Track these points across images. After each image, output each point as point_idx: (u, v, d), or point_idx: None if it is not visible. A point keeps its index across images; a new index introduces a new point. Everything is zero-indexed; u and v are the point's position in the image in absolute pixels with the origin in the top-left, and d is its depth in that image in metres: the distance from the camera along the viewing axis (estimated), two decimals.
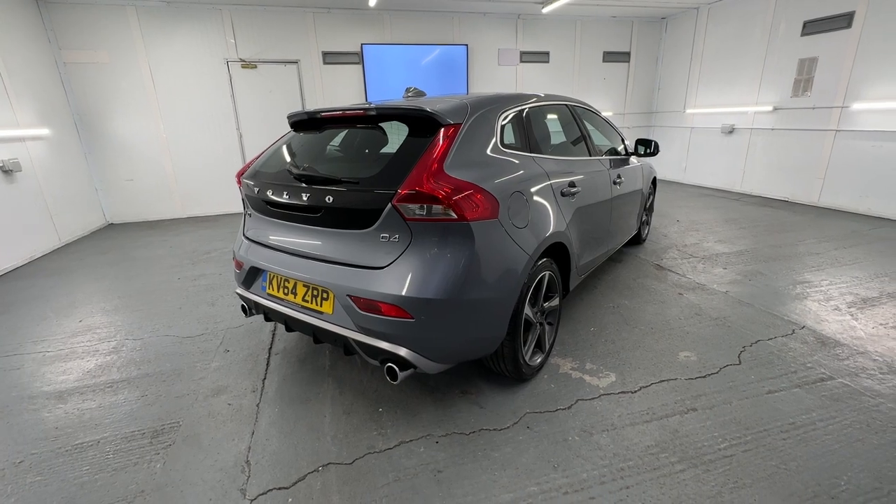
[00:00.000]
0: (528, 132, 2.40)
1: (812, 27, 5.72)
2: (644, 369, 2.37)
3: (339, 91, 6.95)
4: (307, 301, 2.00)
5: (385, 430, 2.00)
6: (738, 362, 2.41)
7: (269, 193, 2.09)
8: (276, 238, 2.15)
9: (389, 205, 1.72)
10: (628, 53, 8.23)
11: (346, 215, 1.84)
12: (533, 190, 2.14)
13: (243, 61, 6.44)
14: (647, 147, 3.57)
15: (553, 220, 2.24)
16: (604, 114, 7.24)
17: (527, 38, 7.59)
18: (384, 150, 2.16)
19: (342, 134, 2.43)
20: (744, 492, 1.60)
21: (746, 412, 2.02)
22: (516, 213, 1.97)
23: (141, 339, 2.93)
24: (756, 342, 2.60)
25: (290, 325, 2.17)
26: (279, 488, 1.70)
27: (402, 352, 1.77)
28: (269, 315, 2.27)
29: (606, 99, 8.37)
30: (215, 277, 4.03)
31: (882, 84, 5.07)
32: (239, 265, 2.32)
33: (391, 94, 7.07)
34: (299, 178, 1.98)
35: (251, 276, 2.26)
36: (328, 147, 2.40)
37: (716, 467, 1.72)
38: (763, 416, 1.99)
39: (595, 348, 2.61)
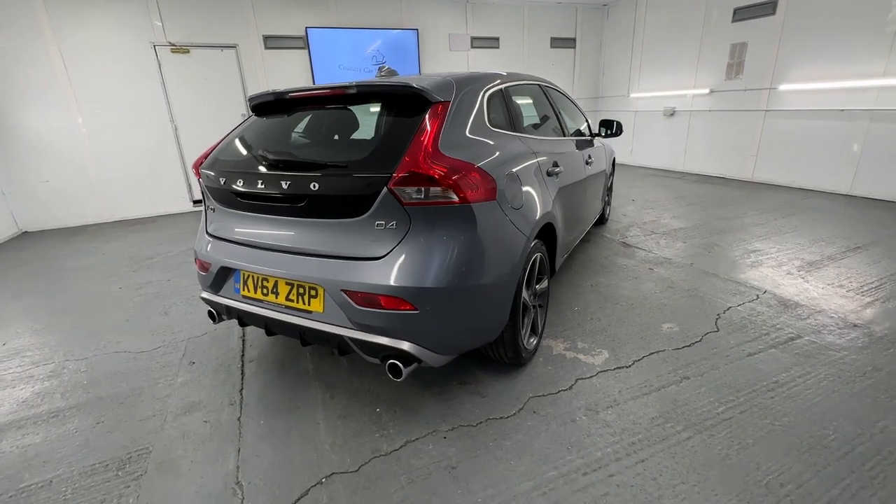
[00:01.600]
0: (510, 111, 2.33)
1: (742, 14, 6.13)
2: (633, 343, 2.42)
3: (284, 78, 6.52)
4: (292, 300, 1.82)
5: (387, 430, 1.88)
6: (716, 329, 2.52)
7: (238, 184, 1.86)
8: (248, 233, 1.94)
9: (385, 189, 1.59)
10: (574, 40, 8.43)
11: (335, 203, 1.68)
12: (524, 170, 2.08)
13: (173, 45, 5.84)
14: (610, 128, 3.64)
15: (543, 200, 2.20)
16: None
17: (477, 23, 7.52)
18: (359, 131, 2.01)
19: (307, 117, 2.22)
20: (749, 451, 1.67)
21: (733, 376, 2.11)
22: (513, 195, 1.91)
23: (85, 358, 2.57)
24: (728, 309, 2.74)
25: (272, 328, 1.97)
26: None
27: (406, 346, 1.66)
28: (245, 319, 2.06)
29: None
30: (163, 284, 3.65)
31: (804, 67, 5.54)
32: (204, 266, 2.08)
33: (342, 80, 6.74)
34: (275, 164, 1.78)
35: (220, 277, 2.03)
36: (293, 132, 2.19)
37: (718, 431, 1.78)
38: (749, 377, 2.09)
39: (582, 327, 2.63)
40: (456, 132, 1.79)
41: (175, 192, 6.31)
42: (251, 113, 2.28)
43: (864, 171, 5.15)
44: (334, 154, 2.05)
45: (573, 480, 1.59)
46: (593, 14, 8.44)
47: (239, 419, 2.00)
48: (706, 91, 6.78)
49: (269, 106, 2.15)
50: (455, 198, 1.59)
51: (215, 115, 6.23)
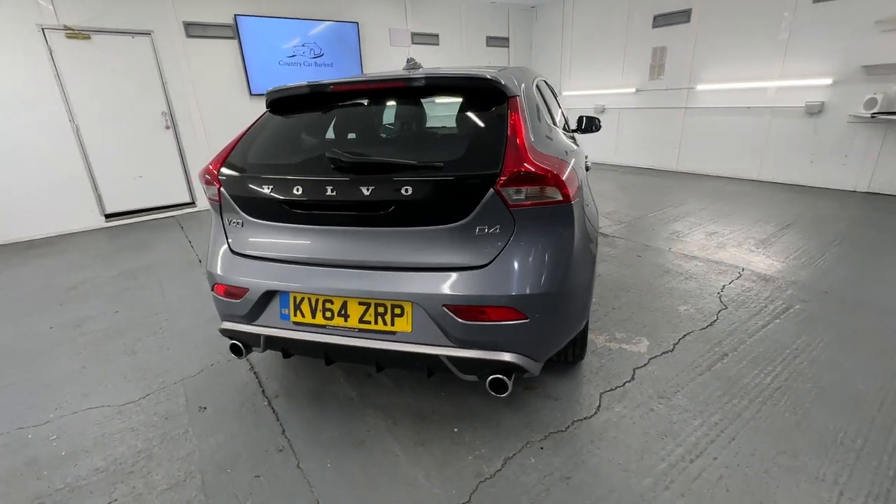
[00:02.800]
0: (548, 104, 2.30)
1: (661, 20, 6.79)
2: (664, 328, 2.55)
3: (211, 71, 5.78)
4: (368, 322, 1.60)
5: (478, 450, 1.74)
6: (724, 307, 2.76)
7: (295, 192, 1.58)
8: (302, 248, 1.66)
9: (491, 190, 1.45)
10: (507, 39, 8.67)
11: (431, 208, 1.50)
12: (580, 166, 2.06)
13: (69, 29, 4.85)
14: (591, 124, 3.78)
15: (591, 196, 2.20)
16: None
17: (417, 18, 7.38)
18: (426, 127, 1.82)
19: (345, 114, 1.97)
20: (811, 415, 1.84)
21: (761, 348, 2.32)
22: (584, 191, 1.87)
23: (47, 422, 2.02)
24: (723, 287, 3.02)
25: (336, 356, 1.72)
26: None
27: (510, 357, 1.54)
28: (294, 349, 1.77)
29: None
30: (110, 318, 3.02)
31: (716, 69, 6.31)
32: (234, 292, 1.74)
33: (282, 75, 6.19)
34: (350, 167, 1.53)
35: (260, 304, 1.71)
36: (345, 130, 1.93)
37: (777, 400, 1.93)
38: (773, 348, 2.32)
39: (609, 317, 2.70)
40: (533, 127, 1.71)
41: (79, 205, 5.27)
42: (267, 110, 1.95)
43: (768, 160, 6.04)
44: (417, 154, 1.83)
45: (684, 470, 1.61)
46: (523, 15, 8.76)
47: (299, 466, 1.71)
48: (633, 90, 7.41)
49: (295, 101, 1.86)
50: (559, 196, 1.51)
51: (128, 112, 5.32)
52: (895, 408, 1.86)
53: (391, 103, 1.91)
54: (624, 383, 2.09)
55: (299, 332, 1.69)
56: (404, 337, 1.58)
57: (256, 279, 1.69)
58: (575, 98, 8.50)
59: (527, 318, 1.50)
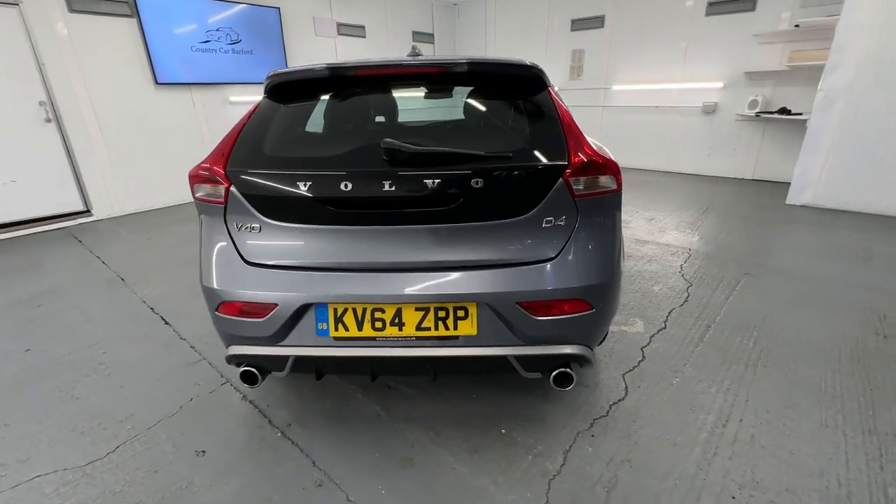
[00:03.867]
0: None
1: (578, 25, 7.31)
2: (649, 308, 2.74)
3: (105, 54, 4.87)
4: (427, 329, 1.46)
5: (535, 448, 1.71)
6: (690, 284, 3.06)
7: (343, 188, 1.37)
8: (345, 252, 1.46)
9: (560, 180, 1.41)
10: (432, 35, 8.65)
11: (500, 201, 1.41)
12: None
13: None
14: None
15: None
16: None
17: (342, 8, 7.00)
18: (467, 114, 1.70)
19: (364, 101, 1.78)
20: (801, 371, 2.12)
21: (735, 318, 2.61)
22: None
23: None
24: (681, 266, 3.35)
25: (383, 370, 1.56)
26: None
27: (575, 350, 1.53)
28: (331, 369, 1.57)
29: None
30: (21, 358, 2.39)
31: (628, 71, 6.98)
32: (259, 310, 1.47)
33: (196, 63, 5.44)
34: (413, 158, 1.38)
35: (290, 321, 1.47)
36: (370, 117, 1.73)
37: (767, 362, 2.19)
38: (742, 315, 2.63)
39: None
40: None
41: None
42: (266, 97, 1.68)
43: (674, 153, 6.85)
44: (467, 144, 1.68)
45: (722, 435, 1.75)
46: (446, 11, 8.81)
47: (350, 499, 1.52)
48: (555, 89, 7.86)
49: (304, 87, 1.63)
50: (614, 185, 1.53)
51: None
52: (851, 354, 2.22)
53: (423, 90, 1.76)
54: (638, 363, 2.21)
55: (341, 349, 1.49)
56: (468, 340, 1.47)
57: (287, 292, 1.44)
58: None
59: (593, 309, 1.50)
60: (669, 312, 2.68)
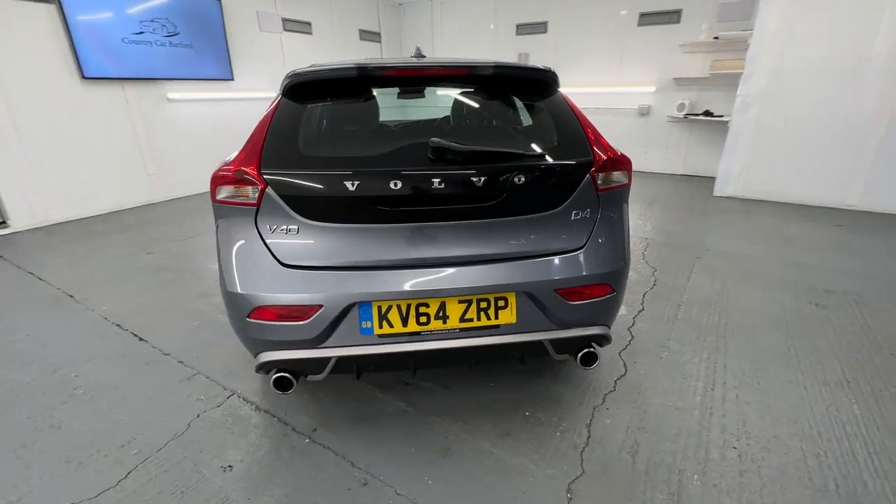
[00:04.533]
0: None
1: (523, 30, 7.64)
2: (626, 292, 2.99)
3: (18, 42, 4.30)
4: (470, 320, 1.53)
5: (560, 426, 1.83)
6: (655, 269, 3.38)
7: (392, 185, 1.39)
8: (391, 249, 1.49)
9: (588, 176, 1.54)
10: (379, 34, 8.58)
11: (537, 196, 1.51)
12: None
13: None
14: None
15: None
16: None
17: (287, 3, 6.73)
18: (489, 115, 1.77)
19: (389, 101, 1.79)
20: (757, 337, 2.45)
21: (698, 296, 2.94)
22: None
23: None
24: (643, 254, 3.68)
25: (425, 363, 1.60)
26: None
27: (600, 330, 1.68)
28: (372, 367, 1.57)
29: None
30: None
31: (571, 74, 7.43)
32: (301, 313, 1.45)
33: (129, 56, 4.96)
34: (461, 156, 1.44)
35: (334, 322, 1.47)
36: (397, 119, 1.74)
37: (734, 332, 2.51)
38: (704, 293, 2.97)
39: None
40: None
41: None
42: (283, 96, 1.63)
43: None
44: (499, 143, 1.73)
45: (713, 397, 2.00)
46: (392, 11, 8.77)
47: (399, 493, 1.54)
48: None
49: (324, 87, 1.62)
50: (626, 179, 1.69)
51: None
52: (794, 321, 2.61)
53: (448, 91, 1.80)
54: (630, 341, 2.43)
55: (385, 346, 1.50)
56: (508, 329, 1.56)
57: (333, 293, 1.43)
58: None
59: (614, 292, 1.65)
60: (644, 295, 2.96)
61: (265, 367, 1.54)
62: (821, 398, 1.99)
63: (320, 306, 1.44)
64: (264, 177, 1.42)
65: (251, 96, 6.45)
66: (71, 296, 3.05)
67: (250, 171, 1.43)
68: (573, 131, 1.63)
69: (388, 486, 1.57)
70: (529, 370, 2.16)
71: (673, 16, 6.36)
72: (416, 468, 1.64)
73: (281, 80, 1.82)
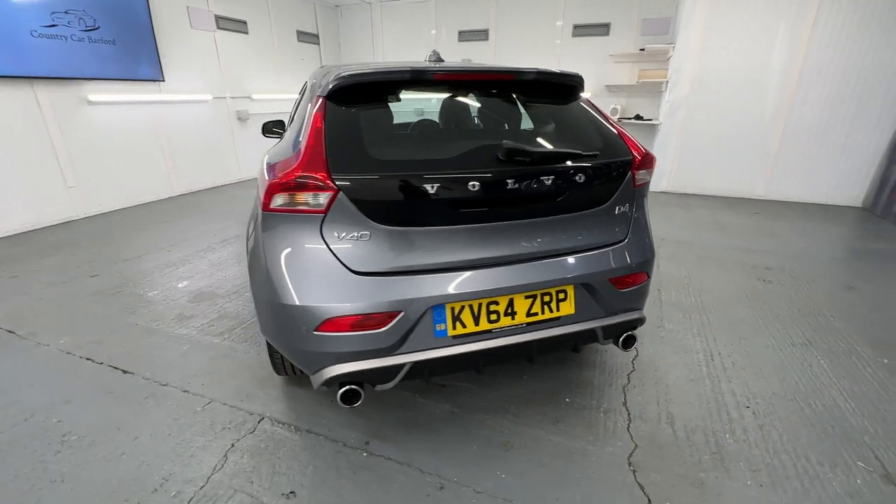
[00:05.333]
0: None
1: (465, 36, 7.86)
2: None
3: None
4: (536, 314, 1.59)
5: (601, 407, 1.97)
6: None
7: (471, 187, 1.40)
8: (464, 250, 1.50)
9: (629, 173, 1.68)
10: (317, 36, 8.29)
11: (591, 194, 1.61)
12: None
13: None
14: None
15: None
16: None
17: (220, 0, 6.27)
18: (519, 119, 1.83)
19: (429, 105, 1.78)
20: (732, 312, 2.80)
21: (672, 280, 3.28)
22: None
23: None
24: None
25: (492, 360, 1.63)
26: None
27: (637, 314, 1.83)
28: (444, 369, 1.57)
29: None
30: None
31: None
32: (379, 320, 1.41)
33: (40, 51, 4.31)
34: (533, 157, 1.50)
35: (413, 327, 1.45)
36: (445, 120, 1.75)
37: (710, 309, 2.84)
38: (674, 277, 3.31)
39: None
40: None
41: None
42: (324, 97, 1.57)
43: None
44: (551, 144, 1.76)
45: (715, 366, 2.26)
46: (329, 13, 8.52)
47: (477, 491, 1.56)
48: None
49: (376, 89, 1.59)
50: (650, 177, 1.86)
51: None
52: (752, 296, 3.02)
53: (492, 95, 1.82)
54: None
55: (459, 346, 1.51)
56: (568, 319, 1.64)
57: (412, 297, 1.41)
58: None
59: (648, 278, 1.82)
60: None
61: (331, 382, 1.47)
62: (794, 357, 2.34)
63: (399, 312, 1.41)
64: (336, 182, 1.37)
65: (184, 99, 5.92)
66: (10, 331, 2.60)
67: (321, 176, 1.36)
68: (609, 132, 1.77)
69: (464, 486, 1.58)
70: (551, 360, 2.28)
71: (603, 28, 6.95)
72: (484, 465, 1.67)
73: (313, 81, 1.76)
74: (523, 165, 1.49)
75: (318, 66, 8.10)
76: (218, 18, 6.28)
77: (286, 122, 3.41)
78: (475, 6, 7.58)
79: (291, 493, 1.55)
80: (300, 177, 1.37)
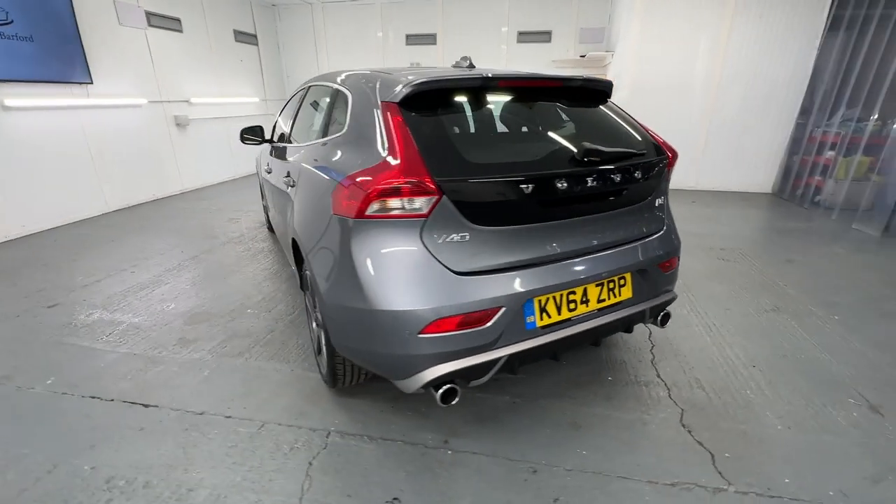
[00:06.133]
0: None
1: (413, 40, 7.92)
2: None
3: None
4: (604, 300, 1.75)
5: (640, 381, 2.17)
6: None
7: (559, 185, 1.51)
8: (549, 245, 1.61)
9: (666, 169, 1.89)
10: (255, 36, 7.85)
11: (641, 188, 1.78)
12: None
13: None
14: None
15: None
16: (248, 99, 7.41)
17: None
18: (559, 122, 1.96)
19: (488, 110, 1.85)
20: (707, 287, 3.20)
21: None
22: None
23: None
24: None
25: (566, 347, 1.74)
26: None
27: (672, 294, 2.06)
28: (529, 359, 1.66)
29: (247, 83, 7.73)
30: None
31: None
32: (483, 317, 1.47)
33: None
34: (596, 156, 1.63)
35: (511, 321, 1.53)
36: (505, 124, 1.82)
37: (691, 287, 3.22)
38: None
39: None
40: None
41: None
42: (398, 103, 1.59)
43: None
44: (603, 143, 1.87)
45: (715, 336, 2.59)
46: (266, 12, 8.10)
47: (567, 470, 1.67)
48: None
49: (446, 95, 1.65)
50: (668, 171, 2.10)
51: None
52: (717, 273, 3.47)
53: (546, 100, 1.92)
54: None
55: (545, 336, 1.62)
56: (628, 303, 1.82)
57: (511, 292, 1.49)
58: None
59: (679, 262, 2.05)
60: None
61: (438, 381, 1.50)
62: (771, 322, 2.75)
63: (500, 308, 1.48)
64: (440, 186, 1.40)
65: (116, 103, 5.34)
66: None
67: (426, 180, 1.38)
68: (644, 133, 1.97)
69: (553, 466, 1.68)
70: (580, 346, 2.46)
71: (545, 35, 7.42)
72: (563, 445, 1.79)
73: (368, 87, 1.76)
74: (595, 165, 1.63)
75: (259, 68, 7.69)
76: (149, 15, 5.73)
77: (264, 128, 3.32)
78: (422, 10, 7.68)
79: (395, 499, 1.54)
80: (406, 182, 1.38)
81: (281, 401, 2.05)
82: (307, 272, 1.89)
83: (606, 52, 6.69)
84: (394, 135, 1.51)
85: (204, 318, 2.82)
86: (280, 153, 2.77)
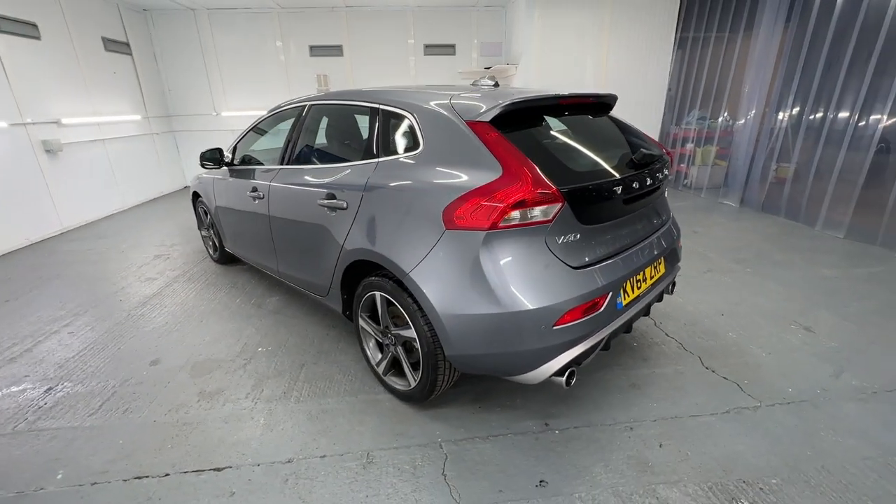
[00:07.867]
0: None
1: (317, 51, 7.66)
2: None
3: None
4: (654, 276, 2.11)
5: (656, 341, 2.62)
6: None
7: (634, 185, 1.82)
8: (624, 237, 1.92)
9: (669, 167, 2.34)
10: (128, 45, 6.77)
11: (663, 184, 2.18)
12: None
13: None
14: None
15: None
16: (128, 117, 6.87)
17: None
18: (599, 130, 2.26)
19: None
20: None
21: None
22: None
23: None
24: None
25: (633, 319, 2.05)
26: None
27: (680, 265, 2.54)
28: (615, 336, 1.93)
29: (124, 99, 6.64)
30: None
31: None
32: (598, 304, 1.71)
33: None
34: (651, 159, 2.00)
35: (610, 304, 1.79)
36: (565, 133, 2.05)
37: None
38: None
39: None
40: None
41: None
42: (486, 120, 1.73)
43: None
44: (633, 149, 2.16)
45: (726, 304, 3.21)
46: (138, 18, 7.02)
47: (653, 420, 2.00)
48: None
49: (528, 112, 1.86)
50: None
51: None
52: (692, 251, 4.21)
53: (586, 114, 2.18)
54: None
55: (627, 313, 1.91)
56: (664, 277, 2.21)
57: (613, 278, 1.75)
58: (235, 119, 7.97)
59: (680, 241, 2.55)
60: None
61: (564, 369, 1.68)
62: (711, 280, 3.49)
63: (608, 293, 1.73)
64: (563, 194, 1.58)
65: None
66: None
67: (553, 190, 1.55)
68: (648, 137, 2.39)
69: (641, 422, 1.99)
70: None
71: (449, 49, 7.86)
72: (636, 404, 2.11)
73: (440, 106, 1.87)
74: (648, 166, 1.99)
75: (136, 81, 6.72)
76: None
77: (230, 150, 3.14)
78: (326, 20, 7.49)
79: (542, 482, 1.68)
80: (540, 193, 1.54)
81: (366, 429, 2.00)
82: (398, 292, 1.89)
83: (507, 64, 7.39)
84: (505, 149, 1.65)
85: (212, 366, 2.51)
86: (283, 177, 2.62)
